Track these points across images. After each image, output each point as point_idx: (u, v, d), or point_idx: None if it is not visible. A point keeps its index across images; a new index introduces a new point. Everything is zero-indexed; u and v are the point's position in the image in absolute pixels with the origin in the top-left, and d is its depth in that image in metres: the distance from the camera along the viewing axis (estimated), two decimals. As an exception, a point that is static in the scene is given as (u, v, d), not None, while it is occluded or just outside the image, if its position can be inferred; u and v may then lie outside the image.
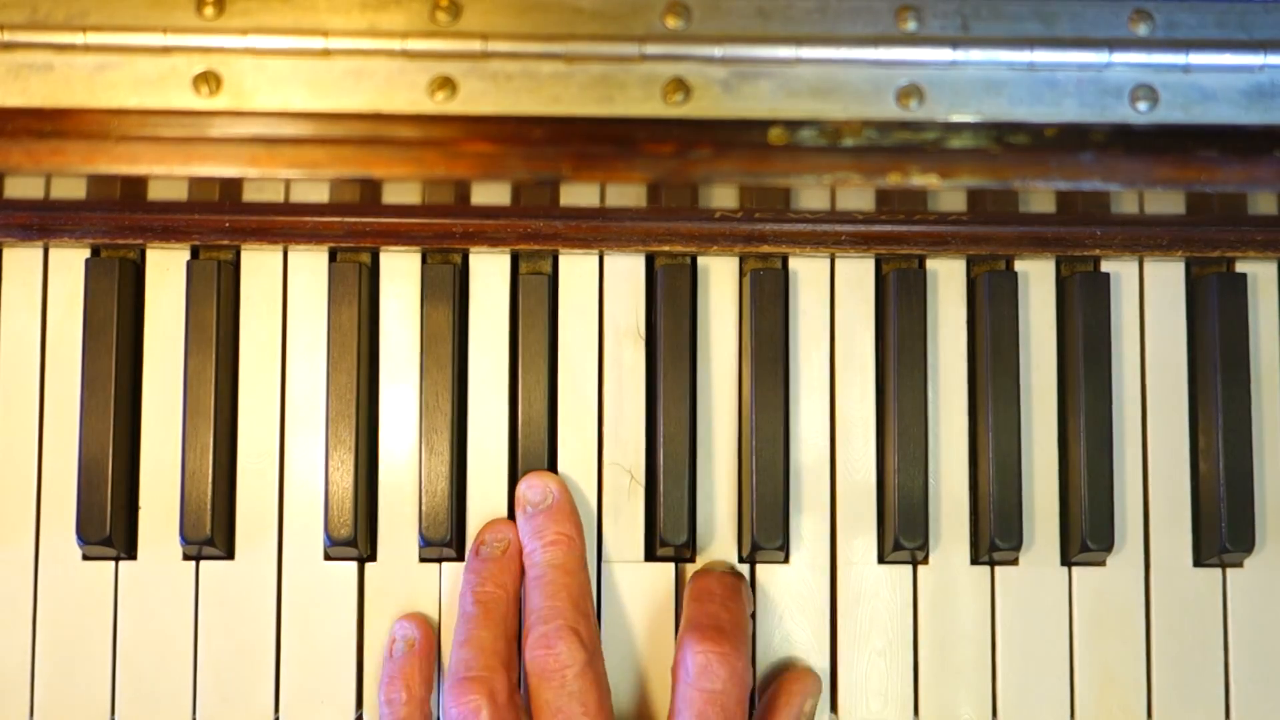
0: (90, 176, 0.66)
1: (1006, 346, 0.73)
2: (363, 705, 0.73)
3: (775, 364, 0.72)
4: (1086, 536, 0.72)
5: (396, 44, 0.62)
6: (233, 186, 0.68)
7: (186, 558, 0.72)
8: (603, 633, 0.72)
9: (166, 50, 0.62)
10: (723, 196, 0.69)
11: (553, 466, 0.73)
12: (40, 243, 0.73)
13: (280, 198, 0.69)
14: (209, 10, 0.62)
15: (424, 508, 0.72)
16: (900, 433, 0.72)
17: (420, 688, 0.70)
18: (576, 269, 0.74)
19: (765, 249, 0.73)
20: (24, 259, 0.73)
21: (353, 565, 0.73)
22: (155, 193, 0.69)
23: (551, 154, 0.64)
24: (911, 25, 0.63)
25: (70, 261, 0.73)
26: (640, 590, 0.73)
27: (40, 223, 0.72)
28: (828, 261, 0.74)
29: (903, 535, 0.72)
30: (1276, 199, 0.68)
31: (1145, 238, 0.73)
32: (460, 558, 0.73)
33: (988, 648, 0.73)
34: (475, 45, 0.62)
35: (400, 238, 0.72)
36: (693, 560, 0.73)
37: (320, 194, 0.69)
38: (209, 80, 0.63)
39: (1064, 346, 0.74)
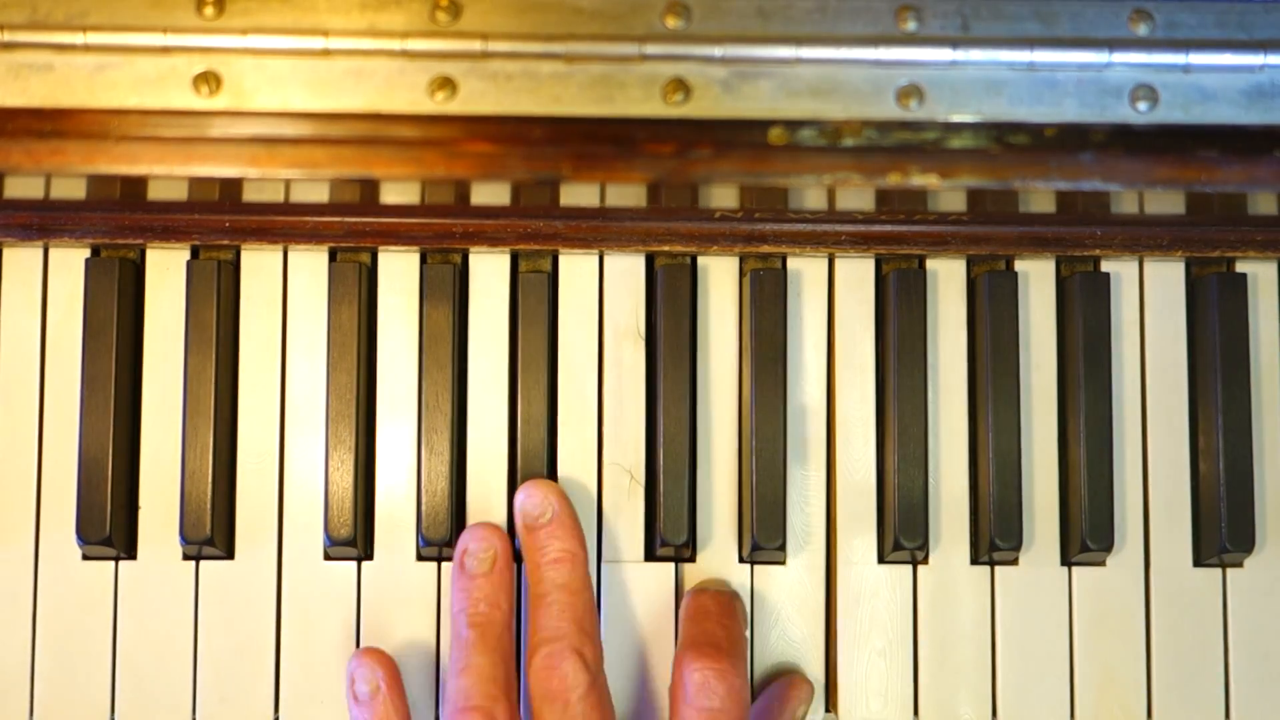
0: (90, 176, 0.66)
1: (1006, 346, 0.73)
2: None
3: (775, 364, 0.72)
4: (1086, 536, 0.72)
5: (396, 44, 0.62)
6: (233, 186, 0.68)
7: (186, 558, 0.72)
8: (603, 633, 0.72)
9: (166, 50, 0.62)
10: (723, 196, 0.69)
11: (553, 466, 0.73)
12: (40, 243, 0.73)
13: (280, 198, 0.69)
14: (209, 10, 0.62)
15: (424, 508, 0.72)
16: (900, 433, 0.72)
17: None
18: (576, 269, 0.74)
19: (765, 249, 0.73)
20: (24, 259, 0.73)
21: (352, 565, 0.73)
22: (155, 193, 0.69)
23: (551, 154, 0.64)
24: (911, 25, 0.63)
25: (70, 261, 0.73)
26: (640, 590, 0.73)
27: (40, 223, 0.72)
28: (827, 261, 0.74)
29: (903, 535, 0.72)
30: (1276, 199, 0.68)
31: (1145, 238, 0.73)
32: (460, 558, 0.73)
33: (988, 648, 0.73)
34: (475, 45, 0.62)
35: (400, 238, 0.72)
36: (693, 560, 0.73)
37: (320, 194, 0.69)
38: (209, 80, 0.63)
39: (1064, 346, 0.74)
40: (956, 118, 0.63)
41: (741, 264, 0.74)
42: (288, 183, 0.67)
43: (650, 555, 0.73)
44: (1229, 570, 0.74)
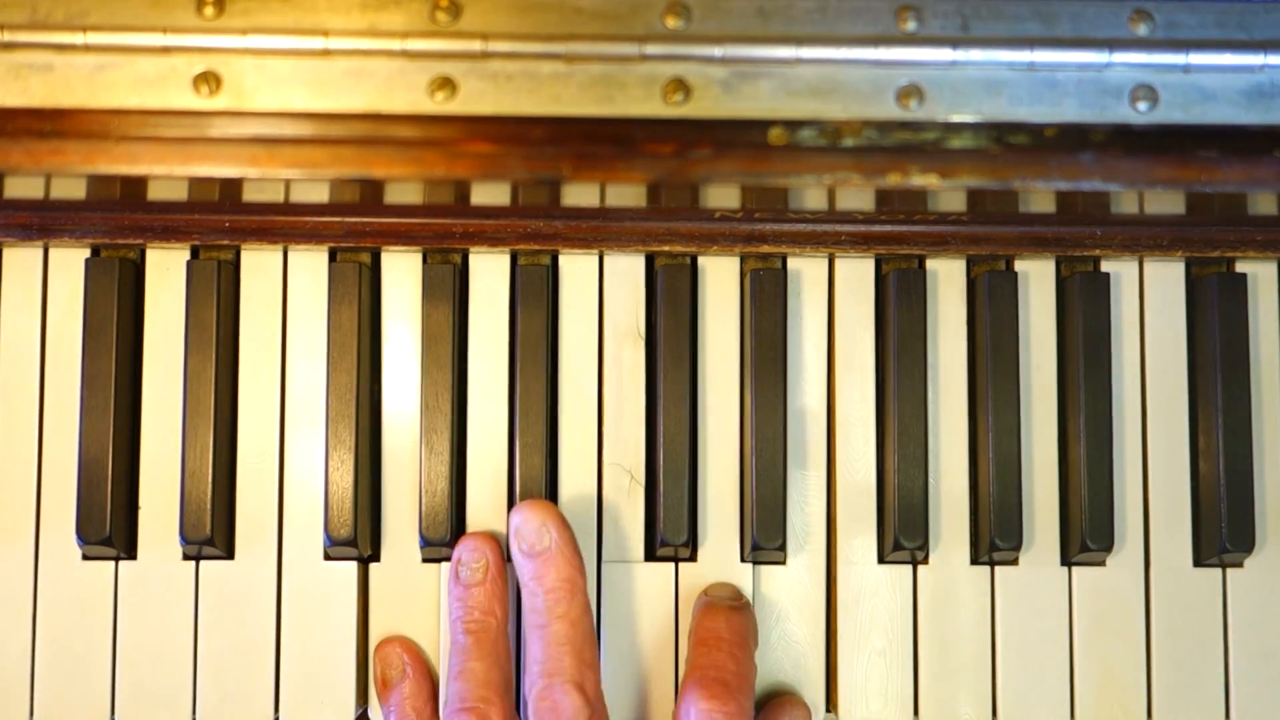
0: (90, 176, 0.66)
1: (1006, 346, 0.73)
2: (366, 703, 0.73)
3: (775, 364, 0.72)
4: (1086, 536, 0.72)
5: (396, 44, 0.62)
6: (233, 186, 0.68)
7: (186, 558, 0.72)
8: (602, 633, 0.72)
9: (166, 50, 0.62)
10: (723, 196, 0.69)
11: (553, 466, 0.73)
12: (40, 243, 0.73)
13: (280, 198, 0.69)
14: (209, 10, 0.62)
15: (424, 508, 0.72)
16: (900, 433, 0.72)
17: (426, 706, 0.70)
18: (576, 269, 0.74)
19: (765, 249, 0.73)
20: (24, 259, 0.73)
21: (353, 565, 0.73)
22: (155, 193, 0.69)
23: (551, 154, 0.64)
24: (911, 25, 0.63)
25: (70, 261, 0.73)
26: (640, 590, 0.73)
27: (40, 223, 0.72)
28: (828, 261, 0.74)
29: (903, 535, 0.72)
30: (1276, 199, 0.68)
31: (1145, 238, 0.73)
32: (460, 558, 0.73)
33: (988, 648, 0.73)
34: (475, 45, 0.62)
35: (400, 237, 0.72)
36: (693, 560, 0.73)
37: (320, 194, 0.69)
38: (209, 80, 0.63)
39: (1064, 346, 0.74)
40: (956, 118, 0.63)
41: (741, 264, 0.74)
42: (288, 183, 0.67)
43: (650, 555, 0.73)
44: (1229, 570, 0.74)
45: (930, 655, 0.73)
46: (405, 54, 0.63)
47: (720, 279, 0.74)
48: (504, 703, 0.67)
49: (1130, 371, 0.74)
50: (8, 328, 0.73)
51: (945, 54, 0.63)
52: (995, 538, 0.72)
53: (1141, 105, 0.63)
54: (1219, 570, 0.74)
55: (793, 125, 0.63)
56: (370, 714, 0.73)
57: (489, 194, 0.69)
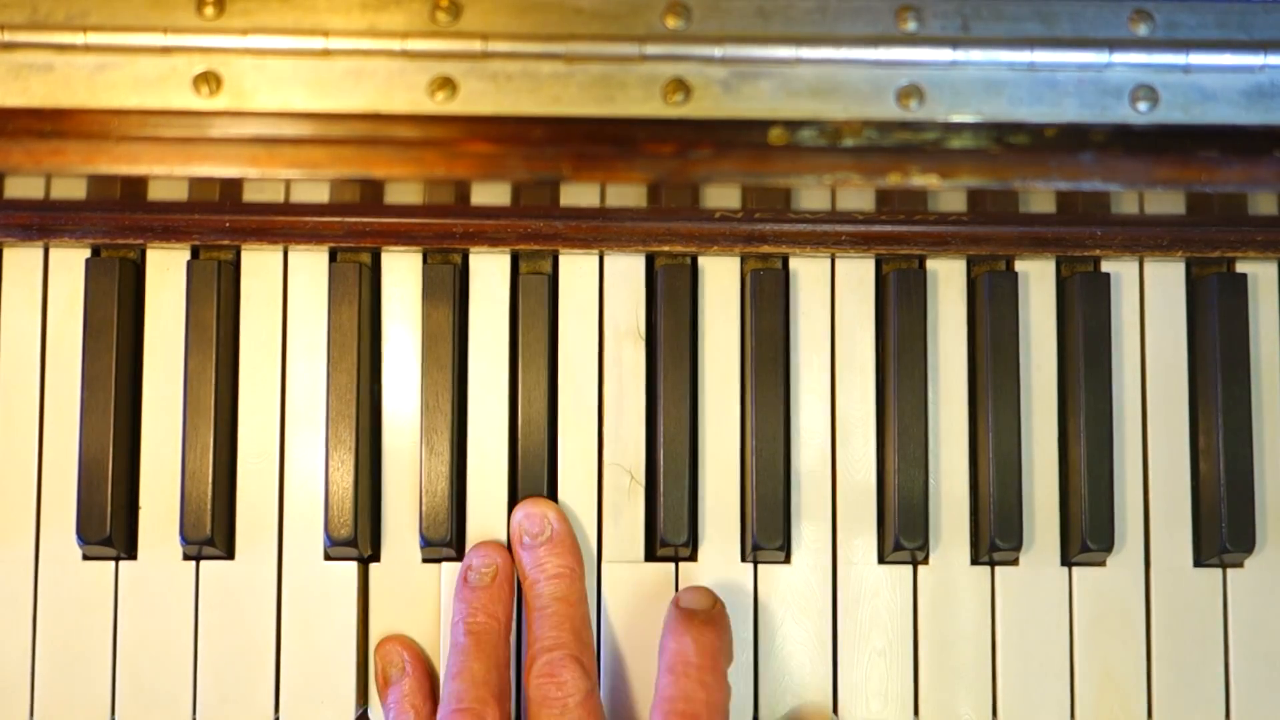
0: (90, 176, 0.66)
1: (1006, 346, 0.73)
2: (366, 703, 0.73)
3: (775, 364, 0.72)
4: (1086, 536, 0.72)
5: (396, 44, 0.62)
6: (233, 186, 0.68)
7: (186, 558, 0.72)
8: (602, 633, 0.72)
9: (166, 50, 0.62)
10: (723, 196, 0.69)
11: (553, 466, 0.73)
12: (40, 243, 0.73)
13: (280, 198, 0.69)
14: (209, 10, 0.62)
15: (424, 508, 0.72)
16: (900, 433, 0.72)
17: (424, 704, 0.70)
18: (576, 269, 0.74)
19: (765, 249, 0.73)
20: (24, 259, 0.73)
21: (353, 565, 0.73)
22: (155, 193, 0.69)
23: (551, 154, 0.64)
24: (911, 25, 0.63)
25: (70, 261, 0.73)
26: (640, 590, 0.73)
27: (40, 223, 0.72)
28: (828, 261, 0.74)
29: (903, 535, 0.72)
30: (1276, 199, 0.68)
31: (1145, 238, 0.73)
32: (460, 558, 0.73)
33: (988, 648, 0.73)
34: (475, 45, 0.62)
35: (400, 238, 0.72)
36: (693, 560, 0.73)
37: (320, 194, 0.69)
38: (209, 80, 0.63)
39: (1064, 346, 0.74)
40: (956, 118, 0.63)
41: (742, 264, 0.74)
42: (288, 183, 0.67)
43: (650, 555, 0.73)
44: (1229, 570, 0.74)
45: (930, 655, 0.73)
46: (405, 54, 0.63)
47: (720, 279, 0.74)
48: (500, 706, 0.67)
49: (1130, 372, 0.74)
50: (8, 328, 0.73)
51: (945, 54, 0.63)
52: (995, 538, 0.72)
53: (1142, 105, 0.63)
54: (1219, 570, 0.74)
55: (793, 125, 0.63)
56: (370, 714, 0.73)
57: (489, 194, 0.69)
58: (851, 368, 0.74)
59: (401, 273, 0.74)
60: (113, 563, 0.72)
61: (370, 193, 0.68)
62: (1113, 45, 0.63)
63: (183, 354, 0.72)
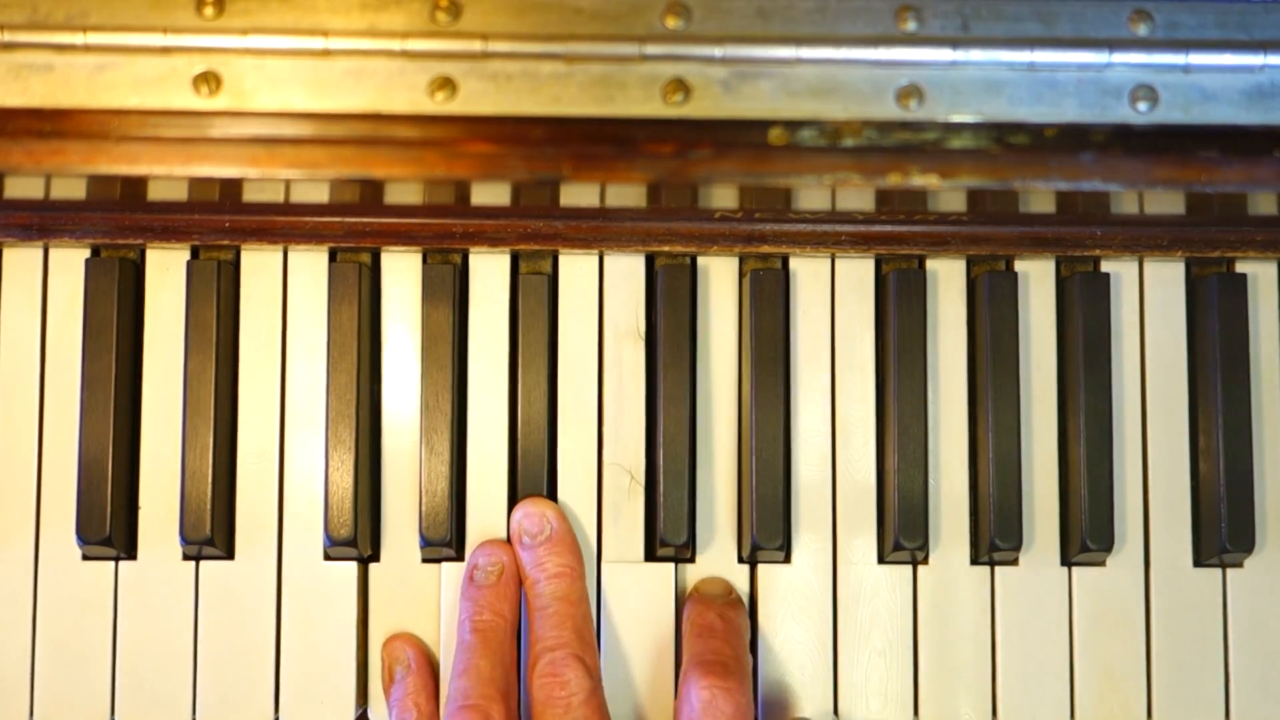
0: (90, 176, 0.66)
1: (1006, 346, 0.73)
2: (366, 703, 0.73)
3: (775, 364, 0.72)
4: (1086, 536, 0.72)
5: (396, 44, 0.62)
6: (233, 186, 0.68)
7: (186, 558, 0.72)
8: (602, 633, 0.72)
9: (166, 50, 0.62)
10: (723, 196, 0.69)
11: (552, 466, 0.73)
12: (40, 243, 0.73)
13: (280, 198, 0.69)
14: (209, 10, 0.62)
15: (424, 508, 0.72)
16: (900, 433, 0.72)
17: (427, 704, 0.71)
18: (576, 269, 0.74)
19: (765, 249, 0.73)
20: (24, 259, 0.73)
21: (352, 565, 0.73)
22: (155, 193, 0.69)
23: (551, 154, 0.64)
24: (911, 25, 0.63)
25: (70, 261, 0.73)
26: (640, 590, 0.73)
27: (40, 223, 0.72)
28: (828, 262, 0.74)
29: (903, 535, 0.72)
30: (1276, 199, 0.68)
31: (1145, 238, 0.73)
32: (460, 558, 0.73)
33: (988, 648, 0.73)
34: (475, 45, 0.62)
35: (400, 238, 0.72)
36: (693, 560, 0.73)
37: (320, 194, 0.69)
38: (209, 80, 0.63)
39: (1064, 346, 0.74)
40: (956, 118, 0.63)
41: (741, 264, 0.74)
42: (288, 183, 0.67)
43: (650, 555, 0.73)
44: (1229, 570, 0.74)
45: (930, 655, 0.73)
46: (405, 54, 0.63)
47: (720, 279, 0.74)
48: (506, 704, 0.67)
49: (1130, 372, 0.74)
50: (8, 328, 0.73)
51: (945, 54, 0.63)
52: (995, 538, 0.72)
53: (1141, 105, 0.63)
54: (1219, 570, 0.74)
55: (793, 125, 0.63)
56: (370, 714, 0.73)
57: (489, 194, 0.69)
58: (851, 368, 0.74)
59: (401, 273, 0.74)
60: (112, 563, 0.72)
61: (370, 193, 0.68)
62: (1113, 45, 0.63)
63: (183, 354, 0.72)
